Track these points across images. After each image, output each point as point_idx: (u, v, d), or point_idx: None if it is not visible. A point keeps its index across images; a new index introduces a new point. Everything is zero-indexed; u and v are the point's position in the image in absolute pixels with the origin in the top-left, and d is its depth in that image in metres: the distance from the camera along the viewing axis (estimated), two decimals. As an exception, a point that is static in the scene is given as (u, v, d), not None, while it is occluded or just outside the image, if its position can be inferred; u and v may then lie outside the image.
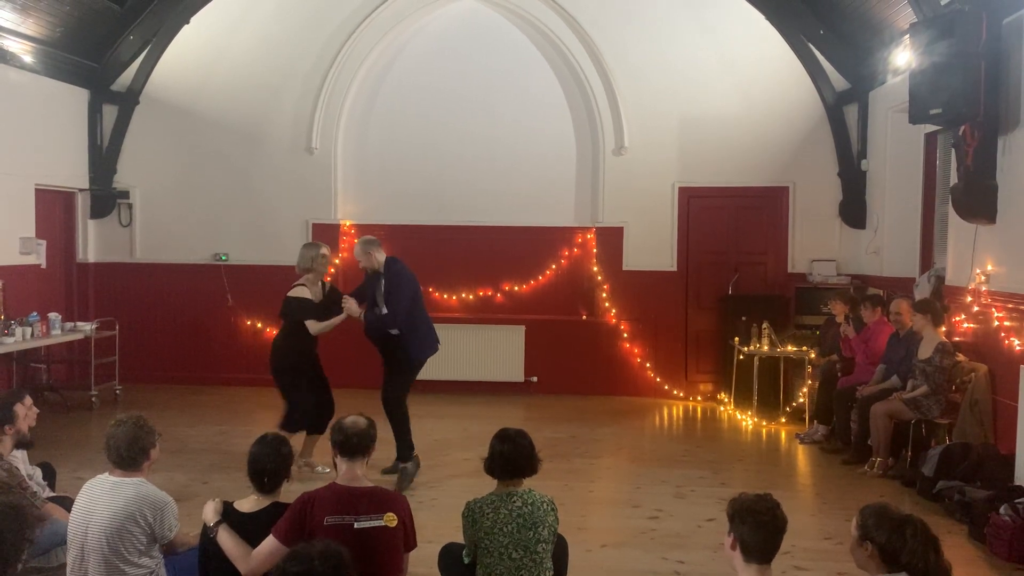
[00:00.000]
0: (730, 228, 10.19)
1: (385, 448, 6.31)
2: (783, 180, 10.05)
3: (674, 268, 10.18)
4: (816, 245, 9.96)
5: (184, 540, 3.89)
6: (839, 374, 8.09)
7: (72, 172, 10.05)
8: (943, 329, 6.97)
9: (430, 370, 7.59)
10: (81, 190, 10.33)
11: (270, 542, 3.52)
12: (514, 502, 3.73)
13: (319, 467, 6.67)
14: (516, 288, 10.26)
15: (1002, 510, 5.26)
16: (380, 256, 6.65)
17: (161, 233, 10.45)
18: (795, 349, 8.80)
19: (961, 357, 6.88)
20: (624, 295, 10.12)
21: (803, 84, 9.78)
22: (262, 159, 10.38)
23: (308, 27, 10.25)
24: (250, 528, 3.62)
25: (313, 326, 6.47)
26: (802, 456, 7.69)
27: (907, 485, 6.54)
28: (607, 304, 10.14)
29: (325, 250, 6.72)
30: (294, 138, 10.35)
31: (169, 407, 9.01)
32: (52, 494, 4.85)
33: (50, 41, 9.19)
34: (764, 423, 8.72)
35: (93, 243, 10.51)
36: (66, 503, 4.40)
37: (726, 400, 9.62)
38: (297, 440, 6.46)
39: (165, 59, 10.21)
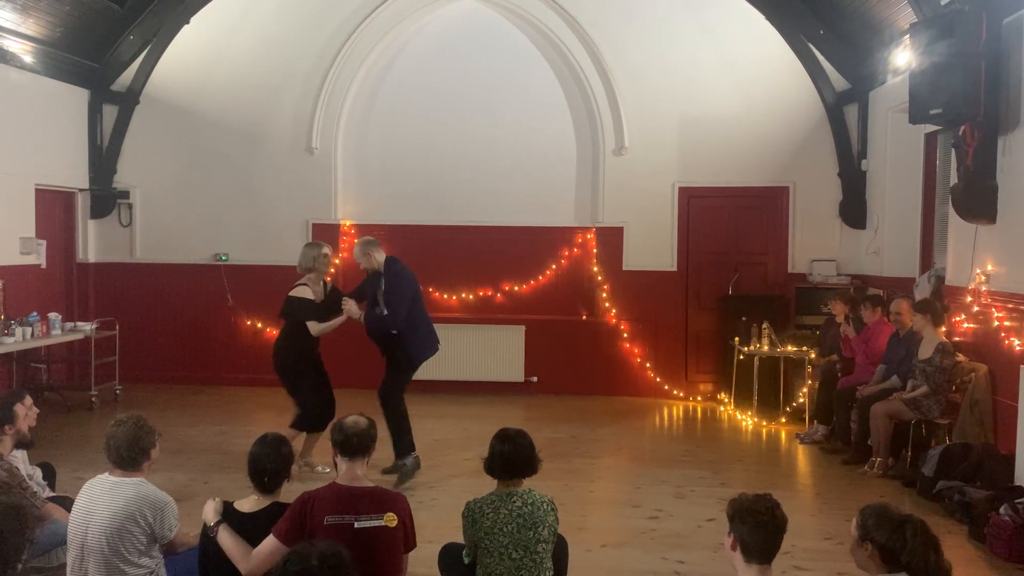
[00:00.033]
0: (730, 228, 10.19)
1: (386, 448, 6.33)
2: (783, 180, 10.05)
3: (674, 268, 10.18)
4: (816, 245, 9.96)
5: (184, 540, 3.89)
6: (839, 374, 8.09)
7: (72, 172, 10.05)
8: (943, 329, 6.97)
9: (430, 370, 7.60)
10: (81, 190, 10.33)
11: (270, 542, 3.52)
12: (514, 502, 3.73)
13: (319, 467, 6.67)
14: (516, 288, 10.26)
15: (1002, 510, 5.26)
16: (380, 256, 6.66)
17: (161, 233, 10.45)
18: (795, 349, 8.80)
19: (961, 357, 6.88)
20: (624, 295, 10.12)
21: (803, 84, 9.78)
22: (262, 159, 10.39)
23: (308, 27, 10.25)
24: (250, 528, 3.62)
25: (314, 327, 6.48)
26: (802, 456, 7.69)
27: (907, 485, 6.54)
28: (607, 304, 10.14)
29: (327, 250, 6.72)
30: (294, 138, 10.35)
31: (169, 407, 9.01)
32: (52, 494, 4.85)
33: (50, 41, 9.19)
34: (764, 423, 8.72)
35: (93, 243, 10.51)
36: (66, 503, 4.40)
37: (726, 400, 9.62)
38: (298, 439, 6.48)
39: (165, 59, 10.22)
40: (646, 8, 10.02)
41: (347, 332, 6.98)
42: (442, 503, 5.99)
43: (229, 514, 3.69)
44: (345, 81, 10.23)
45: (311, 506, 3.52)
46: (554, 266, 10.24)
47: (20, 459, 4.72)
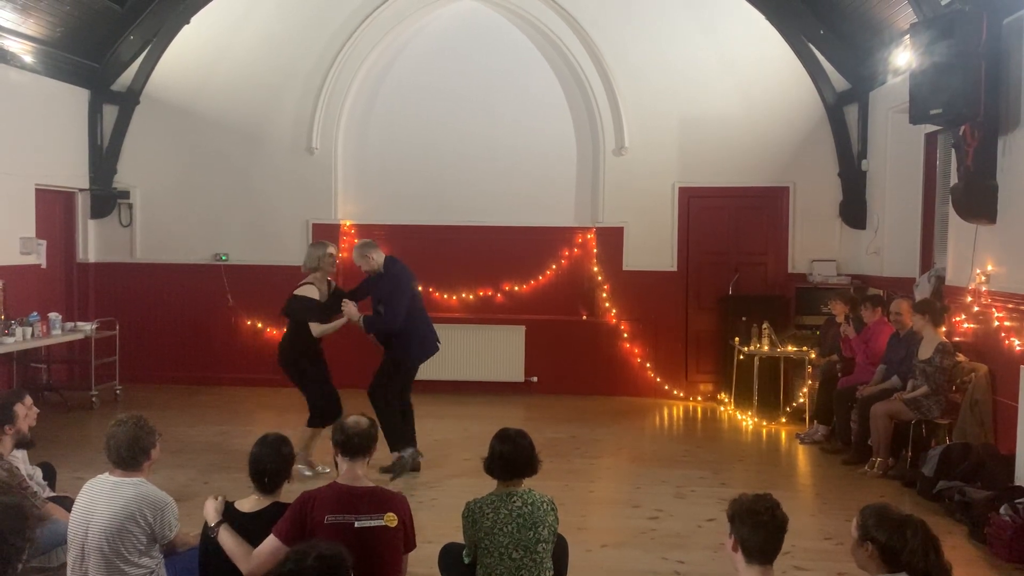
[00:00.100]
0: (730, 228, 10.19)
1: (386, 448, 6.33)
2: (783, 180, 10.05)
3: (674, 268, 10.18)
4: (816, 245, 9.96)
5: (184, 540, 3.89)
6: (839, 374, 8.09)
7: (72, 172, 10.05)
8: (943, 329, 6.97)
9: (430, 370, 7.60)
10: (81, 190, 10.33)
11: (271, 542, 3.52)
12: (514, 502, 3.73)
13: (319, 467, 6.67)
14: (516, 288, 10.26)
15: (1002, 510, 5.26)
16: (378, 258, 6.67)
17: (161, 233, 10.45)
18: (795, 349, 8.80)
19: (961, 357, 6.88)
20: (624, 295, 10.12)
21: (803, 84, 9.78)
22: (262, 159, 10.39)
23: (309, 27, 10.25)
24: (251, 528, 3.62)
25: (315, 328, 6.49)
26: (802, 456, 7.69)
27: (907, 485, 6.54)
28: (607, 304, 10.14)
29: (332, 249, 6.73)
30: (294, 138, 10.35)
31: (169, 407, 9.00)
32: (52, 494, 4.84)
33: (50, 41, 9.19)
34: (764, 423, 8.72)
35: (93, 243, 10.51)
36: (66, 503, 4.40)
37: (726, 400, 9.61)
38: (316, 436, 6.51)
39: (165, 59, 10.21)
40: (646, 8, 10.02)
41: (348, 332, 6.99)
42: (442, 503, 5.99)
43: (229, 514, 3.69)
44: (345, 81, 10.23)
45: (311, 506, 3.53)
46: (554, 266, 10.24)
47: (20, 459, 4.72)
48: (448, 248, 10.17)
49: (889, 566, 2.94)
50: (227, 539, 3.59)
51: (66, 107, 9.87)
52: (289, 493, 3.84)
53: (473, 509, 3.76)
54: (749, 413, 8.91)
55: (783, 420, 8.79)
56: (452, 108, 10.27)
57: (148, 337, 10.23)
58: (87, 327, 8.98)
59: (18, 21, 8.63)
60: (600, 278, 10.17)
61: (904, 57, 7.79)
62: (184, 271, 10.41)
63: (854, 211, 9.69)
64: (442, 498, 6.12)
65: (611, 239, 10.16)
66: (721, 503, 4.77)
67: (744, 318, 9.20)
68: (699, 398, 10.05)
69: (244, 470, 3.79)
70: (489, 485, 3.89)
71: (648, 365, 10.11)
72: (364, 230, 10.00)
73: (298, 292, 6.56)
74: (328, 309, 6.58)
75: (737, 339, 9.14)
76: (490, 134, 10.26)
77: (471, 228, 10.26)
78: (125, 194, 10.41)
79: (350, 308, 6.56)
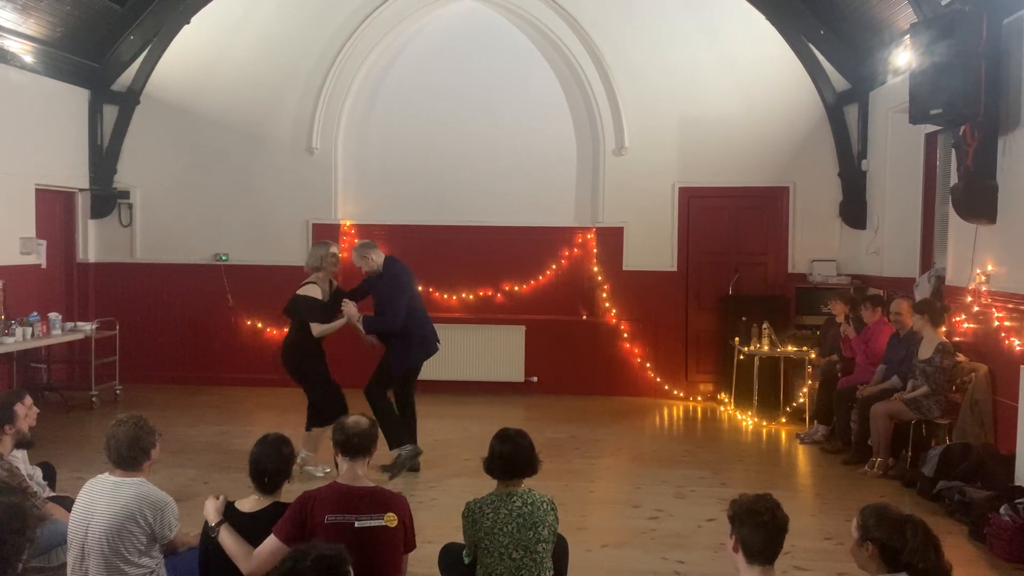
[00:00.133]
0: (730, 228, 10.19)
1: (386, 447, 6.33)
2: (783, 180, 10.05)
3: (674, 268, 10.18)
4: (816, 245, 9.96)
5: (184, 540, 3.89)
6: (839, 374, 8.09)
7: (72, 172, 10.05)
8: (943, 329, 6.97)
9: (430, 370, 7.60)
10: (81, 190, 10.33)
11: (271, 542, 3.52)
12: (514, 502, 3.73)
13: (320, 466, 6.66)
14: (516, 288, 10.26)
15: (1002, 510, 5.26)
16: (378, 258, 6.68)
17: (161, 233, 10.45)
18: (795, 349, 8.80)
19: (961, 357, 6.88)
20: (624, 295, 10.12)
21: (803, 84, 9.78)
22: (262, 159, 10.39)
23: (309, 27, 10.25)
24: (251, 528, 3.62)
25: (316, 328, 6.51)
26: (802, 456, 7.69)
27: (907, 485, 6.54)
28: (607, 304, 10.14)
29: (335, 249, 6.75)
30: (294, 138, 10.35)
31: (169, 407, 9.00)
32: (52, 494, 4.85)
33: (50, 41, 9.19)
34: (764, 423, 8.72)
35: (93, 243, 10.51)
36: (66, 503, 4.40)
37: (726, 400, 9.61)
38: (323, 435, 6.52)
39: (166, 59, 10.22)
40: (646, 8, 10.02)
41: (348, 332, 6.99)
42: (442, 503, 5.99)
43: (230, 514, 3.69)
44: (346, 81, 10.23)
45: (312, 505, 3.53)
46: (554, 266, 10.24)
47: (20, 459, 4.72)
48: (448, 248, 10.17)
49: (889, 566, 2.94)
50: (227, 539, 3.59)
51: (66, 107, 9.87)
52: (289, 493, 3.85)
53: (473, 509, 3.76)
54: (749, 413, 8.91)
55: (783, 420, 8.79)
56: (452, 108, 10.27)
57: (148, 337, 10.23)
58: (87, 327, 8.98)
59: (18, 21, 8.63)
60: (600, 278, 10.17)
61: (904, 57, 7.79)
62: (184, 271, 10.41)
63: (854, 211, 9.69)
64: (442, 498, 6.12)
65: (611, 239, 10.16)
66: (721, 503, 4.77)
67: (744, 318, 9.21)
68: (699, 398, 10.05)
69: (244, 470, 3.79)
70: (489, 485, 3.89)
71: (648, 365, 10.11)
72: (364, 230, 10.00)
73: (301, 292, 6.57)
74: (330, 309, 6.59)
75: (737, 339, 9.15)
76: (490, 134, 10.26)
77: (471, 228, 10.25)
78: (125, 194, 10.41)
79: (349, 308, 6.56)
